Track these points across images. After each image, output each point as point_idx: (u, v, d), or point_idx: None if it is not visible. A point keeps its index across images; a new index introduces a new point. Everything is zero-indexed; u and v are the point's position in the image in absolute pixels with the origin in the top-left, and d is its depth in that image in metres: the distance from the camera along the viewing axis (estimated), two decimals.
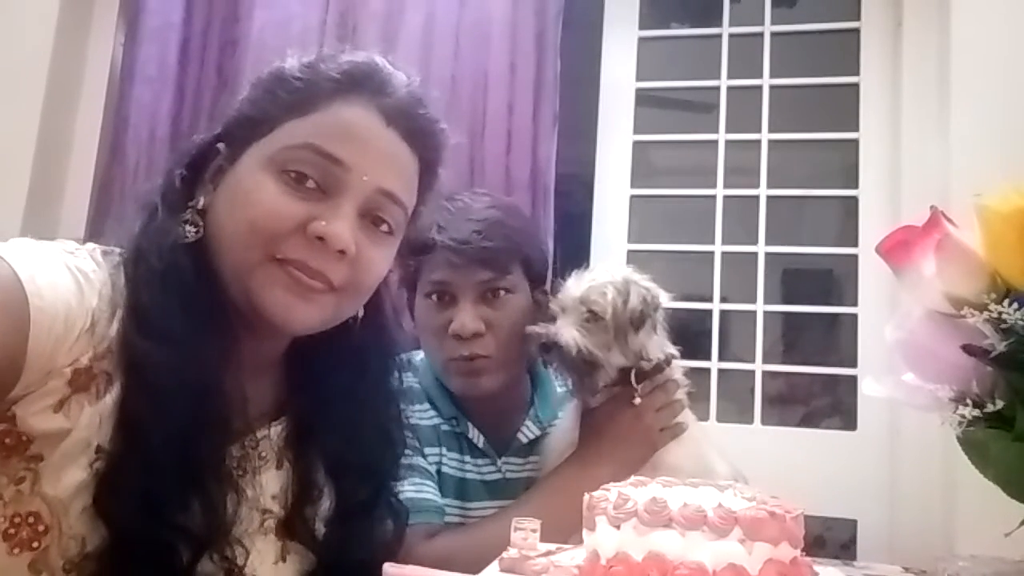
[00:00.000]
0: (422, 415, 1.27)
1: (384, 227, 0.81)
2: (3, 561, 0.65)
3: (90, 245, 0.76)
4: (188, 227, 0.77)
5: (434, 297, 1.25)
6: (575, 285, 1.17)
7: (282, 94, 0.79)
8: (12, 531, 0.66)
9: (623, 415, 1.14)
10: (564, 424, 1.25)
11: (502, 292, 1.24)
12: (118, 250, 0.76)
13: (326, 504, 0.85)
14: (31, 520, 0.66)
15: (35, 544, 0.66)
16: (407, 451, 1.21)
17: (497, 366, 1.23)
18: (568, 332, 1.13)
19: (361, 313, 0.85)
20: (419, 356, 1.35)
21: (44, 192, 2.14)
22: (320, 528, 0.83)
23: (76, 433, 0.67)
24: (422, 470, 1.21)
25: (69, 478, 0.66)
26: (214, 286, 0.76)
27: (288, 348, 0.85)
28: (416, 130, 0.82)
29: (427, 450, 1.24)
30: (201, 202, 0.79)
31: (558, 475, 1.14)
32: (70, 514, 0.66)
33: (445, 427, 1.28)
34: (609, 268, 1.21)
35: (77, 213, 2.19)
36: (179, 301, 0.73)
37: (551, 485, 1.13)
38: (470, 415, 1.29)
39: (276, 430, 0.83)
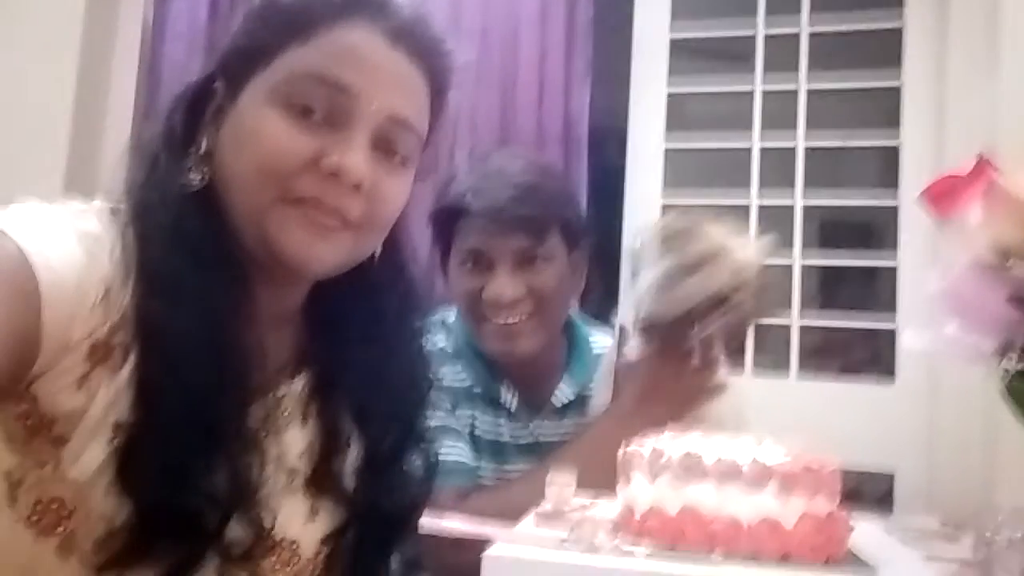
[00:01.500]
0: (454, 377, 1.27)
1: (398, 157, 0.76)
2: (30, 549, 0.65)
3: (98, 203, 0.73)
4: (193, 174, 0.73)
5: (469, 264, 1.23)
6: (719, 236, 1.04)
7: (277, 21, 0.74)
8: (36, 517, 0.65)
9: (666, 371, 1.11)
10: (604, 390, 1.23)
11: (540, 258, 1.22)
12: (126, 205, 0.73)
13: (354, 455, 0.83)
14: (54, 505, 0.65)
15: (60, 528, 0.65)
16: (440, 412, 1.21)
17: (534, 330, 1.23)
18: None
19: (379, 252, 0.81)
20: (452, 317, 1.34)
21: (83, 154, 2.17)
22: (349, 480, 0.82)
23: (94, 410, 0.65)
24: (454, 431, 1.21)
25: (90, 458, 0.65)
26: (226, 235, 0.72)
27: (305, 299, 0.82)
28: (423, 50, 0.77)
29: (459, 411, 1.25)
30: (204, 146, 0.74)
31: (593, 430, 1.14)
32: (94, 494, 0.65)
33: (477, 389, 1.28)
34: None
35: (123, 175, 2.21)
36: (191, 255, 0.69)
37: (585, 441, 1.13)
38: (503, 378, 1.28)
39: (299, 384, 0.81)
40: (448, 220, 1.24)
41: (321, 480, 0.79)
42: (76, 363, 0.64)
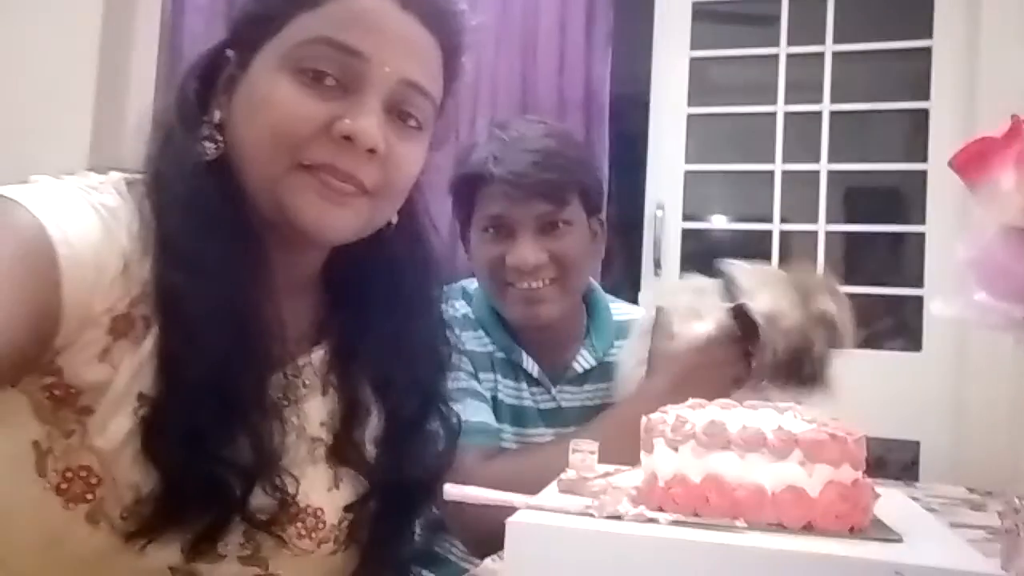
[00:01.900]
0: (478, 342, 1.28)
1: (412, 122, 0.75)
2: (59, 516, 0.66)
3: (115, 175, 0.72)
4: (207, 143, 0.72)
5: (491, 231, 1.23)
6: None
7: None
8: (65, 486, 0.65)
9: (706, 362, 1.11)
10: (632, 358, 1.23)
11: (561, 224, 1.22)
12: (142, 177, 0.72)
13: (375, 424, 0.83)
14: (83, 474, 0.65)
15: (89, 496, 0.66)
16: (463, 374, 1.22)
17: (556, 296, 1.23)
18: None
19: (395, 220, 0.81)
20: (474, 285, 1.35)
21: (107, 129, 2.18)
22: (371, 450, 0.82)
23: (119, 381, 0.66)
24: (477, 393, 1.22)
25: (116, 428, 0.65)
26: (242, 204, 0.72)
27: (322, 269, 0.82)
28: (434, 12, 0.76)
29: (482, 375, 1.25)
30: (217, 116, 0.74)
31: (623, 407, 1.14)
32: (121, 463, 0.66)
33: (500, 355, 1.29)
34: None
35: (140, 147, 2.22)
36: (208, 226, 0.69)
37: (613, 418, 1.13)
38: (525, 344, 1.29)
39: (318, 355, 0.81)
40: (470, 187, 1.24)
41: (343, 449, 0.80)
42: (98, 336, 0.65)
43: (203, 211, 0.70)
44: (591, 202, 1.27)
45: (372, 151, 0.71)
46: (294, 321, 0.79)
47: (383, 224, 0.79)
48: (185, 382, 0.66)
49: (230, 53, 0.76)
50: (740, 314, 1.08)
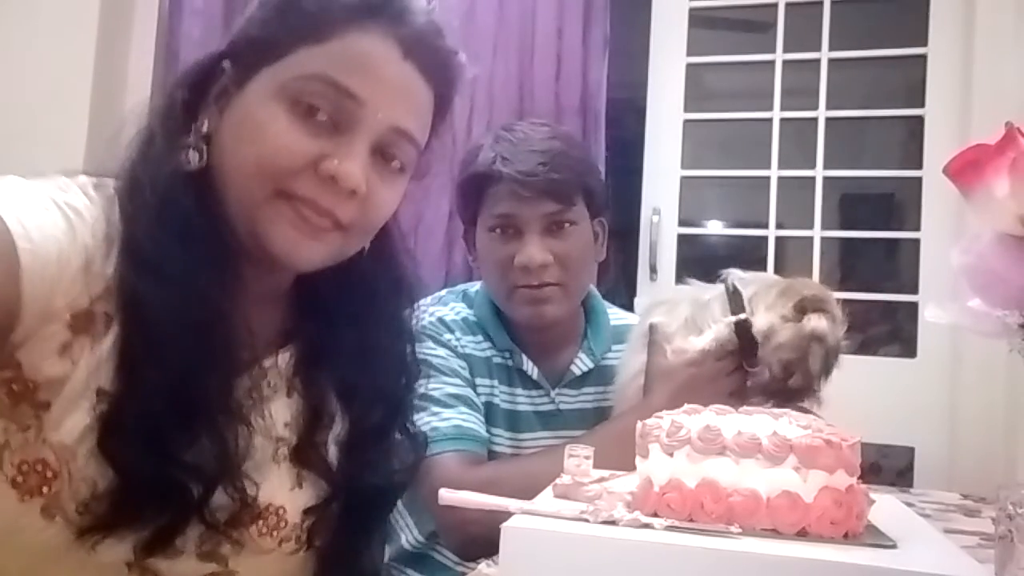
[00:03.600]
0: (477, 346, 1.29)
1: (396, 163, 0.78)
2: (15, 509, 0.66)
3: (82, 178, 0.73)
4: (192, 153, 0.73)
5: (498, 230, 1.24)
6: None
7: (294, 18, 0.74)
8: (20, 479, 0.66)
9: (703, 375, 1.11)
10: (630, 367, 1.23)
11: (567, 224, 1.24)
12: (111, 182, 0.73)
13: (338, 431, 0.84)
14: (39, 467, 0.66)
15: (44, 489, 0.66)
16: (459, 380, 1.22)
17: (563, 295, 1.25)
18: None
19: (367, 245, 0.82)
20: (474, 288, 1.35)
21: (103, 131, 2.18)
22: (333, 455, 0.83)
23: (77, 376, 0.66)
24: (470, 401, 1.23)
25: (73, 422, 0.66)
26: (216, 218, 0.73)
27: (295, 277, 0.83)
28: (434, 63, 0.78)
29: (479, 381, 1.26)
30: (206, 126, 0.74)
31: (620, 423, 1.14)
32: (77, 458, 0.66)
33: (498, 359, 1.29)
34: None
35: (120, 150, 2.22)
36: (178, 235, 0.70)
37: (609, 431, 1.13)
38: (525, 347, 1.30)
39: (284, 357, 0.82)
40: (477, 187, 1.25)
41: (306, 453, 0.81)
42: (58, 331, 0.66)
43: (176, 218, 0.70)
44: (595, 204, 1.29)
45: (354, 192, 0.73)
46: (262, 325, 0.80)
47: (353, 253, 0.81)
48: (144, 382, 0.67)
49: (226, 65, 0.76)
50: (741, 330, 1.09)
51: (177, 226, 0.70)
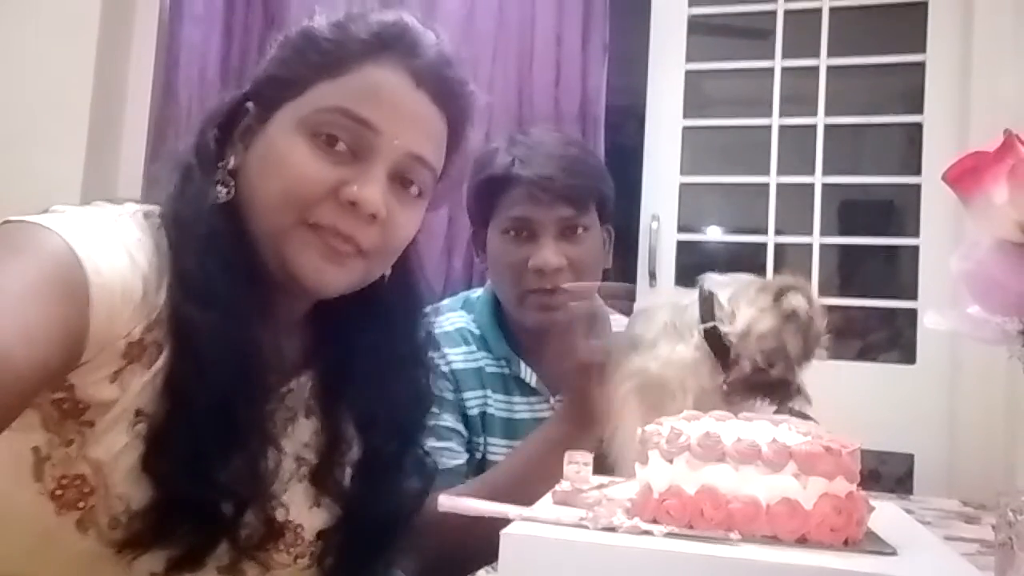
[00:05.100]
0: (467, 357, 1.28)
1: (413, 189, 0.81)
2: (51, 521, 0.68)
3: (131, 207, 0.77)
4: (220, 187, 0.77)
5: (512, 233, 1.25)
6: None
7: (312, 55, 0.79)
8: (60, 492, 0.68)
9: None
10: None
11: (580, 229, 1.24)
12: (157, 210, 0.77)
13: (354, 457, 0.86)
14: (77, 482, 0.68)
15: (81, 504, 0.68)
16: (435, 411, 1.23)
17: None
18: None
19: (388, 273, 0.86)
20: (476, 294, 1.35)
21: (103, 136, 2.18)
22: (347, 481, 0.85)
23: (123, 400, 0.69)
24: (445, 430, 1.22)
25: (112, 441, 0.68)
26: (249, 247, 0.77)
27: (314, 303, 0.86)
28: (445, 92, 0.82)
29: (468, 394, 1.26)
30: (232, 162, 0.79)
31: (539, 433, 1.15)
32: (115, 475, 0.68)
33: (492, 368, 1.29)
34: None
35: (135, 154, 2.23)
36: (220, 264, 0.74)
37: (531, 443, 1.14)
38: (524, 354, 1.30)
39: (301, 381, 0.85)
40: (492, 190, 1.26)
41: (324, 475, 0.84)
42: (112, 358, 0.68)
43: (217, 249, 0.74)
44: (605, 210, 1.30)
45: (373, 216, 0.77)
46: (285, 350, 0.84)
47: (376, 279, 0.84)
48: (192, 406, 0.70)
49: (250, 106, 0.81)
50: (711, 337, 1.09)
51: (219, 256, 0.74)
